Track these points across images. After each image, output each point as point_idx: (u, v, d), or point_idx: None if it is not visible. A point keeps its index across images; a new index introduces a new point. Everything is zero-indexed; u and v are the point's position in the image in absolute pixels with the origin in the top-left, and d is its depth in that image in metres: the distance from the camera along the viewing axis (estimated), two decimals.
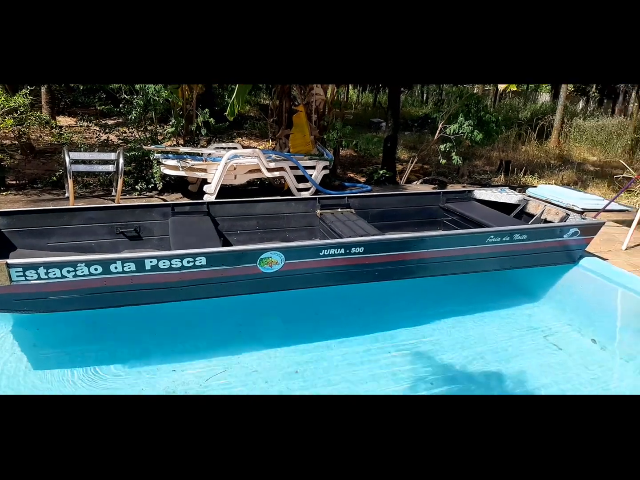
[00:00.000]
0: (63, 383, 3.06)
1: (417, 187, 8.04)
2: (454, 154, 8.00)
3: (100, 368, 3.20)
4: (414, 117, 18.07)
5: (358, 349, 3.63)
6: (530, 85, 26.90)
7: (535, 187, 7.46)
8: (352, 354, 3.56)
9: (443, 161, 8.13)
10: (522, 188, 7.86)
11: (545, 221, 4.57)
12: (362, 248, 3.49)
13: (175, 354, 3.39)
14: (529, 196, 5.11)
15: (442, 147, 8.18)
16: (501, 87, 6.33)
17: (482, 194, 5.18)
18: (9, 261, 2.77)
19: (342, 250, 3.46)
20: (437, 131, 8.39)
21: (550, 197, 6.65)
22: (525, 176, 9.67)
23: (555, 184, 9.06)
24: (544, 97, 27.39)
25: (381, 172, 8.19)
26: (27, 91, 6.36)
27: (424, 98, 25.27)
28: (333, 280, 3.65)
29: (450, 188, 7.89)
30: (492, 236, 3.80)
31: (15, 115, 6.21)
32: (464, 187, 8.11)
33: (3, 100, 6.10)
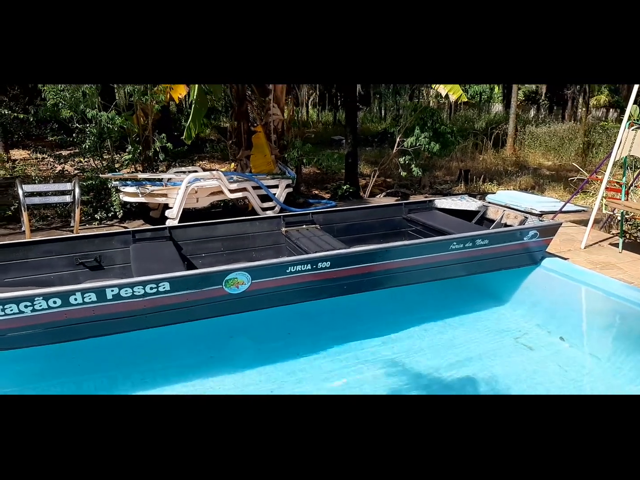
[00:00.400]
0: None
1: (381, 200, 8.15)
2: (413, 166, 8.15)
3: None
4: (373, 132, 18.41)
5: (333, 362, 3.62)
6: (483, 97, 27.90)
7: (494, 193, 7.67)
8: (327, 369, 3.54)
9: (404, 173, 8.27)
10: (482, 195, 8.07)
11: (505, 225, 4.69)
12: (329, 262, 3.49)
13: (145, 384, 3.29)
14: (489, 202, 5.25)
15: (401, 160, 8.33)
16: (452, 98, 6.52)
17: (443, 202, 5.29)
18: None
19: (309, 266, 3.45)
20: (396, 145, 8.55)
21: (509, 202, 6.87)
22: (485, 184, 9.94)
23: (513, 189, 9.35)
24: (497, 107, 28.43)
25: (344, 187, 8.27)
26: None
27: (382, 114, 25.83)
28: (302, 296, 3.62)
29: (413, 199, 8.02)
30: (455, 243, 3.87)
31: None
32: (425, 197, 8.25)
33: None
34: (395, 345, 3.86)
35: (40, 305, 2.81)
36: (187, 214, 6.26)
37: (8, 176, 7.08)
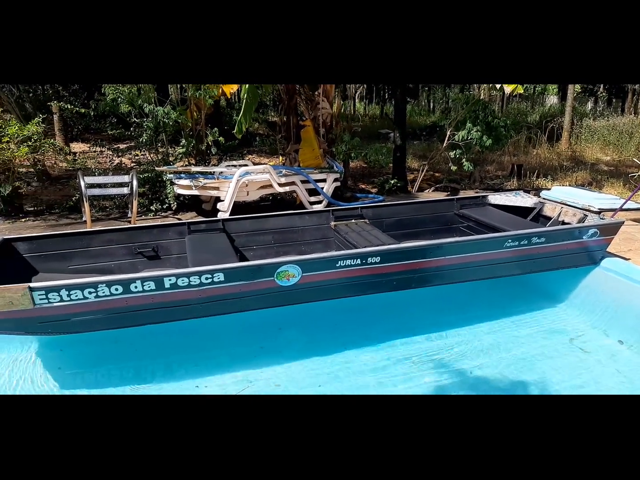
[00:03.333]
0: None
1: (430, 195, 8.03)
2: (464, 160, 7.99)
3: (125, 386, 3.22)
4: (421, 126, 18.13)
5: (380, 359, 3.61)
6: (537, 88, 26.88)
7: (549, 189, 7.39)
8: (374, 365, 3.54)
9: (454, 168, 8.11)
10: (536, 191, 7.80)
11: (563, 223, 4.52)
12: (379, 258, 3.47)
13: (198, 371, 3.39)
14: (544, 199, 5.07)
15: (451, 154, 8.17)
16: (507, 90, 6.31)
17: (496, 198, 5.15)
18: (32, 285, 2.81)
19: (359, 261, 3.45)
20: (446, 138, 8.39)
21: (565, 198, 6.58)
22: (539, 179, 9.61)
23: (569, 185, 8.99)
24: (552, 99, 27.32)
25: (392, 181, 8.19)
26: (40, 119, 6.50)
27: (431, 107, 25.37)
28: (351, 291, 3.63)
29: (463, 194, 7.86)
30: (509, 240, 3.77)
31: (30, 143, 6.34)
32: (476, 192, 8.06)
33: (17, 130, 6.23)
34: (443, 344, 3.80)
35: (103, 292, 2.94)
36: (237, 207, 6.38)
37: (70, 168, 7.42)
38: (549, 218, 4.72)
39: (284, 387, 3.29)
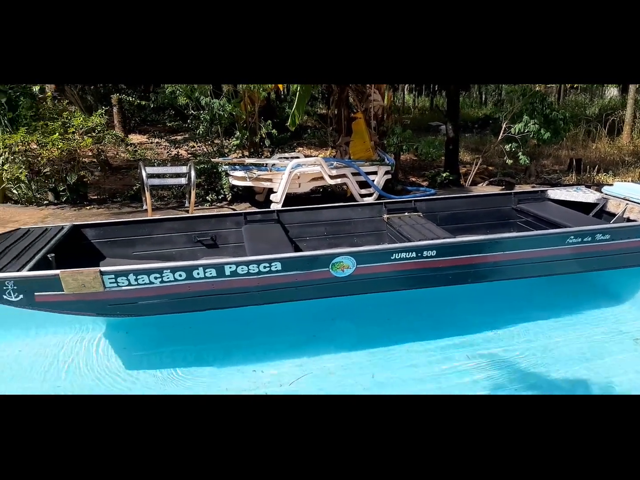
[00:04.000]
0: (152, 382, 3.24)
1: (483, 189, 7.86)
2: (520, 153, 7.76)
3: (186, 368, 3.36)
4: (473, 118, 17.68)
5: (432, 353, 3.59)
6: None
7: (612, 185, 7.08)
8: (428, 359, 3.53)
9: (509, 161, 7.90)
10: (597, 186, 7.49)
11: (628, 220, 4.34)
12: (435, 251, 3.45)
13: (255, 356, 3.49)
14: (607, 194, 4.87)
15: (507, 147, 7.96)
16: None
17: (556, 193, 4.99)
18: (102, 269, 2.97)
19: (414, 254, 3.44)
20: (501, 131, 8.17)
21: (628, 195, 6.29)
22: (599, 174, 9.21)
23: (632, 181, 8.57)
24: (612, 91, 25.98)
25: (444, 175, 8.07)
26: (103, 111, 6.80)
27: (483, 99, 24.67)
28: (405, 284, 3.63)
29: (519, 189, 7.64)
30: (572, 237, 3.65)
31: (93, 134, 6.64)
32: (533, 187, 7.83)
33: (82, 121, 6.55)
34: (498, 342, 3.74)
35: (168, 277, 3.08)
36: (288, 199, 6.47)
37: (131, 159, 7.74)
38: (613, 215, 4.54)
39: (338, 375, 3.35)
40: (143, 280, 3.07)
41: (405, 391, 3.19)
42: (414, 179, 8.97)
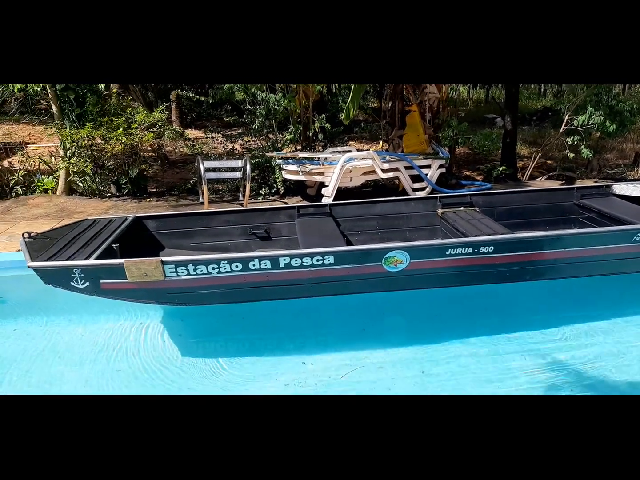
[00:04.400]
0: (206, 369, 3.35)
1: (542, 183, 7.57)
2: (583, 147, 7.40)
3: (239, 357, 3.45)
4: (531, 110, 17.00)
5: (485, 350, 3.51)
6: None
7: None
8: (479, 356, 3.45)
9: (571, 155, 7.56)
10: None
11: None
12: (492, 247, 3.37)
13: (306, 348, 3.54)
14: None
15: (568, 140, 7.61)
16: None
17: (622, 189, 4.73)
18: (163, 259, 3.10)
19: (470, 250, 3.37)
20: (563, 123, 7.82)
21: None
22: None
23: None
24: None
25: (501, 168, 7.83)
26: (164, 107, 7.05)
27: (541, 90, 23.67)
28: (459, 280, 3.57)
29: (580, 184, 7.30)
30: (639, 234, 3.46)
31: (154, 129, 6.90)
32: (596, 182, 7.46)
33: (144, 117, 6.82)
34: (556, 342, 3.60)
35: (225, 268, 3.17)
36: (339, 192, 6.47)
37: (189, 153, 7.99)
38: None
39: (387, 370, 3.33)
40: (201, 271, 3.18)
41: (454, 389, 3.14)
42: (467, 173, 8.76)
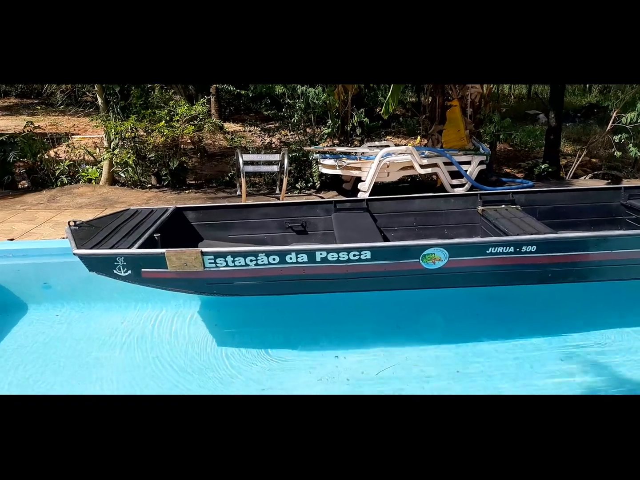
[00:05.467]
0: (240, 359, 3.40)
1: (586, 182, 7.33)
2: (631, 145, 7.12)
3: (273, 350, 3.48)
4: (575, 107, 16.43)
5: (523, 352, 3.43)
6: None
7: None
8: (516, 357, 3.38)
9: (618, 154, 7.28)
10: None
11: None
12: (535, 247, 3.27)
13: (340, 342, 3.54)
14: None
15: (616, 138, 7.32)
16: None
17: None
18: (203, 250, 3.15)
19: (512, 249, 3.28)
20: (611, 120, 7.53)
21: None
22: None
23: None
24: None
25: (543, 166, 7.61)
26: (205, 100, 7.16)
27: (587, 86, 22.86)
28: (499, 280, 3.49)
29: (627, 183, 7.03)
30: None
31: (195, 122, 7.02)
32: None
33: (186, 110, 6.94)
34: (596, 345, 3.49)
35: (262, 261, 3.20)
36: (375, 187, 6.43)
37: (228, 146, 8.10)
38: None
39: (421, 369, 3.30)
40: (239, 262, 3.21)
41: (489, 390, 3.08)
42: (508, 170, 8.55)
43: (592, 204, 4.55)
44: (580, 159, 7.89)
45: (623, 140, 7.24)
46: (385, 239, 4.32)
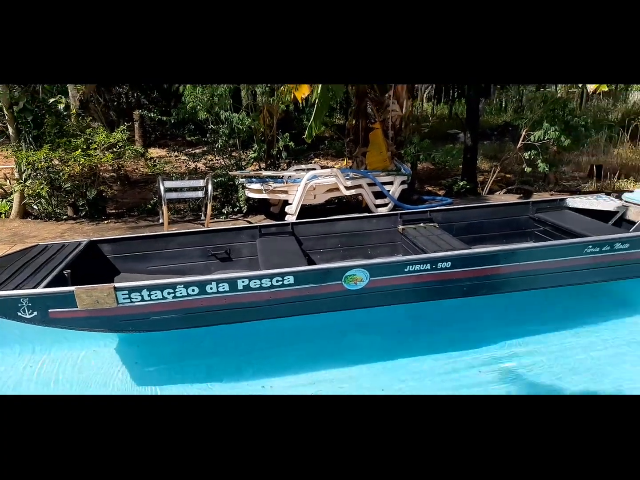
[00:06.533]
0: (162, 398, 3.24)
1: (501, 197, 7.75)
2: (539, 161, 7.63)
3: (196, 384, 3.37)
4: (492, 125, 17.48)
5: (446, 366, 3.54)
6: (619, 85, 25.16)
7: (632, 191, 6.90)
8: (439, 372, 3.48)
9: (528, 169, 7.78)
10: (618, 193, 7.31)
11: None
12: (450, 263, 3.40)
13: (265, 370, 3.48)
14: (626, 202, 4.75)
15: (526, 154, 7.83)
16: (590, 88, 5.93)
17: (576, 202, 4.88)
18: (116, 285, 3.01)
19: (429, 266, 3.40)
20: (521, 138, 8.05)
21: None
22: (620, 180, 9.00)
23: None
24: (636, 95, 25.44)
25: (461, 183, 7.99)
26: (125, 127, 6.94)
27: (503, 105, 24.41)
28: (419, 296, 3.59)
29: (537, 197, 7.51)
30: (590, 246, 3.56)
31: (115, 149, 6.77)
32: (552, 195, 7.69)
33: (104, 137, 6.68)
34: (514, 354, 3.67)
35: (181, 292, 3.10)
36: (303, 210, 6.47)
37: (149, 173, 7.87)
38: (633, 223, 4.41)
39: (348, 389, 3.31)
40: (156, 296, 3.09)
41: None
42: (430, 188, 8.90)
43: (504, 218, 4.82)
44: (495, 175, 8.35)
45: (532, 157, 7.75)
46: (311, 262, 4.33)
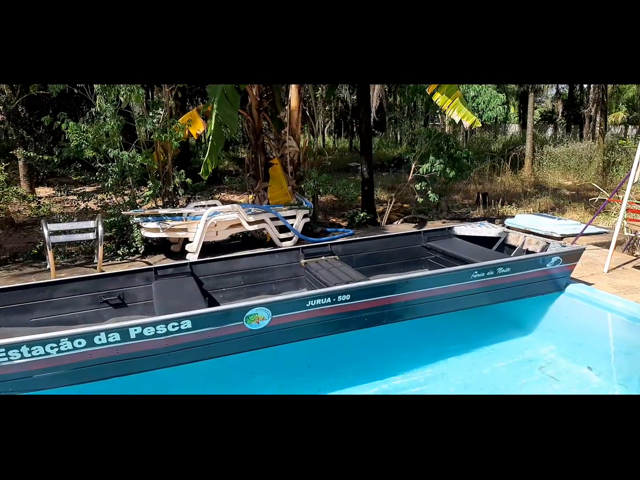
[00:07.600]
0: None
1: (399, 226, 8.15)
2: (429, 192, 8.15)
3: None
4: (389, 158, 18.51)
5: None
6: (499, 118, 27.90)
7: (513, 217, 7.58)
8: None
9: (420, 200, 8.27)
10: (501, 219, 8.01)
11: (527, 252, 4.63)
12: (349, 295, 3.48)
13: None
14: (508, 227, 5.21)
15: (417, 186, 8.33)
16: (466, 124, 6.50)
17: (462, 229, 5.26)
18: None
19: (329, 299, 3.44)
20: (411, 171, 8.57)
21: (528, 226, 6.78)
22: (504, 206, 9.87)
23: (533, 211, 9.27)
24: (514, 127, 28.37)
25: (361, 215, 8.29)
26: (3, 167, 6.39)
27: (398, 139, 25.96)
28: (323, 330, 3.61)
29: (431, 225, 8.00)
30: (476, 272, 3.83)
31: None
32: (444, 222, 8.22)
33: None
34: (418, 378, 3.80)
35: (66, 347, 2.85)
36: (206, 247, 6.33)
37: (34, 215, 7.28)
38: (514, 247, 4.83)
39: None
40: (38, 352, 2.83)
41: None
42: (334, 220, 9.14)
43: (399, 248, 5.05)
44: (391, 206, 8.78)
45: (423, 188, 8.26)
46: (212, 303, 4.21)
